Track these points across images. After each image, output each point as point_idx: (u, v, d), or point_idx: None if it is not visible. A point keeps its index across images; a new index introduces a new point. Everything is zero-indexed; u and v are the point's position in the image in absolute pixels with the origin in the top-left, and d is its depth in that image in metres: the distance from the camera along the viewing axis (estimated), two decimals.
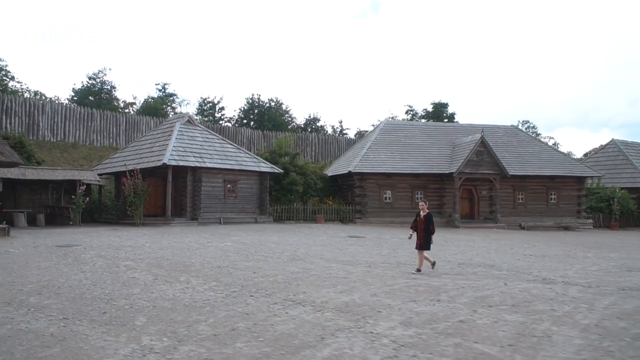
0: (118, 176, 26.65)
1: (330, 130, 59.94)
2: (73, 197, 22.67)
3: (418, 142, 30.39)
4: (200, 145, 25.15)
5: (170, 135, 24.81)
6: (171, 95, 55.05)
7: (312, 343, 5.87)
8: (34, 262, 11.46)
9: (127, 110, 48.74)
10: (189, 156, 23.79)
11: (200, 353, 5.38)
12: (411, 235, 11.90)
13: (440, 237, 22.45)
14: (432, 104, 63.56)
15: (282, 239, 18.56)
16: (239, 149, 26.95)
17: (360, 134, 60.51)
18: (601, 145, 39.93)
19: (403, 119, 64.19)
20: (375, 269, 11.99)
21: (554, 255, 16.40)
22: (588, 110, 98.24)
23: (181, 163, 23.13)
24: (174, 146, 23.50)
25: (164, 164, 22.35)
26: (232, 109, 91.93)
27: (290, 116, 60.01)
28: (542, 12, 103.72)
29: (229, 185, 25.20)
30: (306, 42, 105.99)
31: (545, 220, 29.94)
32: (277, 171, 26.44)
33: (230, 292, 8.68)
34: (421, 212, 11.81)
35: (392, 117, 63.38)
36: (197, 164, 23.72)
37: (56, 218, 23.96)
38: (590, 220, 31.29)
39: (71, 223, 22.63)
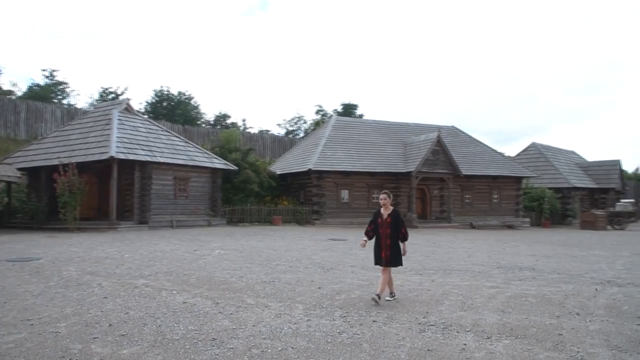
0: (36, 172, 22.25)
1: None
2: None
3: (372, 140, 29.27)
4: (146, 136, 21.66)
5: (108, 124, 21.04)
6: (61, 83, 48.66)
7: None
8: (10, 285, 8.30)
9: (9, 97, 42.05)
10: (137, 149, 20.28)
11: None
12: (366, 242, 7.95)
13: (412, 239, 21.54)
14: (342, 104, 63.14)
15: (267, 244, 16.29)
16: (187, 142, 23.73)
17: (262, 133, 57.97)
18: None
19: (314, 120, 63.54)
20: (440, 277, 10.51)
21: (556, 255, 16.01)
22: (462, 117, 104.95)
23: (130, 157, 19.58)
24: (117, 137, 19.85)
25: (111, 157, 18.72)
26: (137, 101, 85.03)
27: (198, 112, 56.51)
28: (437, 14, 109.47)
29: (180, 184, 22.00)
30: (212, 38, 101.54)
31: (490, 219, 30.45)
32: (231, 168, 23.69)
33: (342, 317, 6.70)
34: (383, 210, 7.86)
35: (300, 117, 62.46)
36: (148, 159, 20.28)
37: None
38: (528, 219, 32.48)
39: None
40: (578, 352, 5.46)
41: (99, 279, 9.04)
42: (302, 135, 59.12)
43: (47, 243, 15.07)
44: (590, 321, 6.88)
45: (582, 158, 46.58)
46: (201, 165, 22.59)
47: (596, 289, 9.45)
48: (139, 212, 20.60)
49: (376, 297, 7.49)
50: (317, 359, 4.95)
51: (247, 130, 55.34)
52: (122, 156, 19.24)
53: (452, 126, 34.03)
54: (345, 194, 26.94)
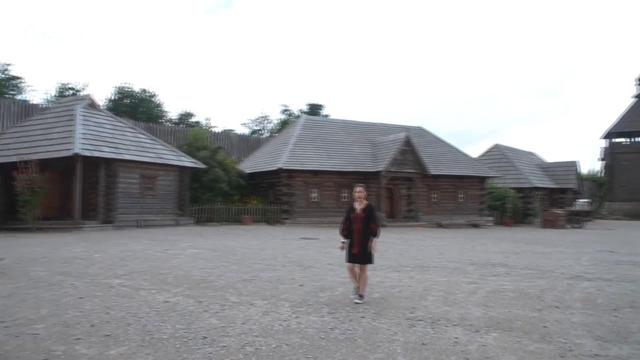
0: None
1: None
2: None
3: (341, 139, 29.27)
4: (111, 133, 20.97)
5: (71, 120, 20.26)
6: (15, 78, 46.57)
7: None
8: None
9: None
10: (102, 146, 19.61)
11: None
12: (344, 244, 7.49)
13: (383, 237, 21.65)
14: (307, 104, 62.87)
15: (240, 243, 16.06)
16: (154, 139, 23.12)
17: (227, 132, 57.12)
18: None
19: (280, 119, 63.45)
20: (418, 274, 10.59)
21: (523, 252, 16.35)
22: (424, 118, 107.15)
23: (96, 154, 18.91)
24: (81, 133, 19.14)
25: (76, 154, 18.03)
26: (97, 97, 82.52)
27: (161, 109, 55.38)
28: (400, 17, 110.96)
29: (147, 182, 21.41)
30: (175, 35, 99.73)
31: (456, 218, 30.95)
32: (200, 166, 23.22)
33: (330, 314, 6.65)
34: (357, 205, 7.43)
35: (265, 117, 62.23)
36: (114, 156, 19.65)
37: None
38: (492, 218, 33.22)
39: None
40: (565, 342, 5.57)
41: (71, 279, 8.67)
42: (267, 135, 58.83)
43: (8, 244, 14.41)
44: (570, 313, 7.04)
45: (541, 159, 48.04)
46: (169, 163, 22.05)
47: (569, 284, 9.70)
48: (104, 212, 19.93)
49: (358, 300, 7.29)
50: (314, 355, 4.86)
51: (212, 129, 54.45)
52: (87, 153, 18.58)
53: (419, 127, 34.47)
54: (315, 193, 26.88)
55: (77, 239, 15.82)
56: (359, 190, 7.48)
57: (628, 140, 58.73)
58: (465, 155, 34.28)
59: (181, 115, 56.69)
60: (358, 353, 4.96)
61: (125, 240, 15.89)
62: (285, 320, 6.15)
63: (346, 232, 7.40)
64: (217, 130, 52.34)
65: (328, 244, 16.95)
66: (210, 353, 4.83)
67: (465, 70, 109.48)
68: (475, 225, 30.89)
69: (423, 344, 5.35)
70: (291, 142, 27.18)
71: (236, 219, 24.39)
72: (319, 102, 63.67)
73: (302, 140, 27.77)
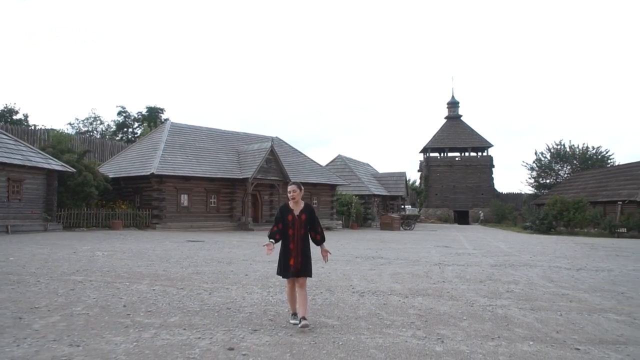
0: None
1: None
2: None
3: (207, 147, 30.11)
4: None
5: None
6: None
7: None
8: None
9: None
10: None
11: None
12: (272, 246, 5.93)
13: (258, 238, 23.32)
14: (147, 107, 61.78)
15: (135, 246, 16.44)
16: (17, 140, 21.45)
17: (47, 131, 52.91)
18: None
19: (115, 121, 61.32)
20: (326, 265, 12.63)
21: (383, 248, 19.46)
22: (253, 125, 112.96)
23: None
24: None
25: None
26: None
27: None
28: (236, 32, 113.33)
29: (14, 186, 19.95)
30: None
31: None
32: (69, 170, 22.25)
33: None
34: (292, 205, 6.15)
35: (96, 117, 59.72)
36: None
37: None
38: (340, 221, 36.98)
39: None
40: (467, 300, 8.14)
41: (28, 277, 8.95)
42: (98, 136, 56.28)
43: None
44: (455, 285, 9.75)
45: (375, 169, 54.16)
46: (38, 166, 20.87)
47: (439, 267, 12.68)
48: None
49: (306, 322, 5.82)
50: (322, 312, 6.66)
51: (37, 127, 50.13)
52: None
53: (276, 137, 36.89)
54: (184, 198, 27.45)
55: None
56: (293, 189, 6.15)
57: (440, 155, 68.89)
58: (318, 165, 37.66)
59: (2, 111, 51.30)
60: (349, 310, 6.90)
61: (14, 245, 15.20)
62: (274, 295, 7.78)
63: (279, 236, 6.06)
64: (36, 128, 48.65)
65: (217, 245, 18.14)
66: (250, 314, 6.32)
67: (291, 83, 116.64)
68: (328, 228, 34.24)
69: (384, 304, 7.49)
70: (160, 148, 27.39)
71: (105, 224, 23.88)
72: (159, 106, 62.78)
73: (170, 146, 28.12)
